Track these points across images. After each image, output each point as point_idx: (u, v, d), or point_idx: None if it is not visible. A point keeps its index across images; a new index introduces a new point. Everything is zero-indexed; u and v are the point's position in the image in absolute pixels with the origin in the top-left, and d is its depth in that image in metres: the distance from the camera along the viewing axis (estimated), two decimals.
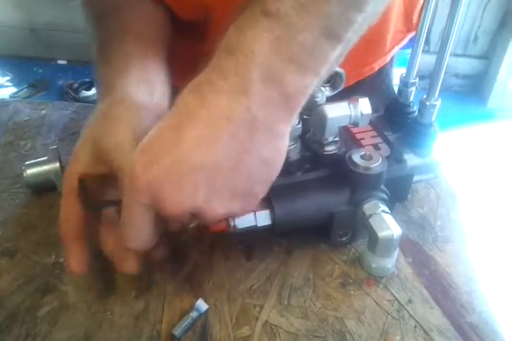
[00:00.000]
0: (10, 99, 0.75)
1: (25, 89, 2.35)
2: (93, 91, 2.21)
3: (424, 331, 0.40)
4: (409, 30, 0.70)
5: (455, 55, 2.33)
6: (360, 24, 0.33)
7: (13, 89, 2.36)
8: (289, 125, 0.35)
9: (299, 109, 0.34)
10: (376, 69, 0.68)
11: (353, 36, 0.34)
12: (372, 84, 0.67)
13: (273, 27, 0.31)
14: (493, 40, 2.25)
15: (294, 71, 0.32)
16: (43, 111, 0.64)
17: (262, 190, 0.37)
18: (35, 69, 2.48)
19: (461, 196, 0.54)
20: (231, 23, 0.33)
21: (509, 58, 2.14)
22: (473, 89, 2.37)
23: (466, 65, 2.34)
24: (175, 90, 0.46)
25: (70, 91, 2.24)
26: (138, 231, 0.35)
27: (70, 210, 0.40)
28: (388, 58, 0.69)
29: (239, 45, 0.32)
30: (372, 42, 0.63)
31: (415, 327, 0.40)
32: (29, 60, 2.49)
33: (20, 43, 2.46)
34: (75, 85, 2.24)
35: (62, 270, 0.45)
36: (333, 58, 0.34)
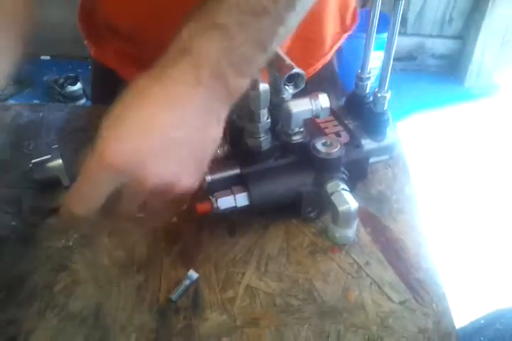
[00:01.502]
0: (10, 104, 0.81)
1: (11, 87, 2.36)
2: (79, 85, 2.23)
3: (379, 287, 0.48)
4: (344, 31, 0.78)
5: (431, 36, 2.39)
6: (282, 37, 0.43)
7: None
8: (227, 112, 0.42)
9: (234, 101, 0.42)
10: (319, 67, 0.76)
11: (275, 45, 0.43)
12: (321, 79, 0.76)
13: (219, 37, 0.39)
14: (467, 21, 2.31)
15: (234, 74, 0.40)
16: (41, 114, 0.71)
17: (207, 163, 0.43)
18: (20, 65, 2.50)
19: (416, 173, 0.62)
20: (181, 29, 0.40)
21: (483, 38, 2.20)
22: (450, 68, 2.43)
23: (442, 46, 2.40)
24: None
25: (56, 86, 2.25)
26: (87, 203, 0.38)
27: None
28: (329, 57, 0.78)
29: (193, 46, 0.39)
30: (313, 45, 0.73)
31: (371, 284, 0.48)
32: None
33: None
34: (61, 80, 2.25)
35: (72, 252, 0.52)
36: (262, 63, 0.42)
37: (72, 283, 0.49)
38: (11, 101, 2.20)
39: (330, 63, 0.79)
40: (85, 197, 0.39)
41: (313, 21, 0.67)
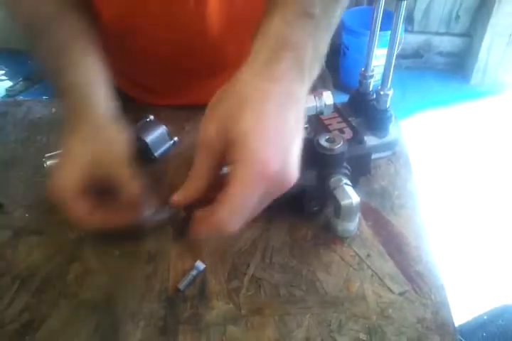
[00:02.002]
0: (22, 99, 0.83)
1: (21, 83, 2.39)
2: None
3: (379, 278, 0.49)
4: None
5: (438, 33, 2.39)
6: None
7: (9, 83, 2.39)
8: None
9: None
10: None
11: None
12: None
13: (312, 28, 0.41)
14: (473, 19, 2.30)
15: (318, 64, 0.42)
16: (53, 109, 0.73)
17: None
18: (29, 62, 2.52)
19: (419, 170, 0.63)
20: (269, 14, 0.41)
21: (490, 36, 2.20)
22: (457, 66, 2.43)
23: (448, 43, 2.40)
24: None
25: None
26: (246, 214, 0.38)
27: (79, 203, 0.48)
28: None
29: (293, 38, 0.40)
30: None
31: (372, 275, 0.50)
32: (22, 54, 2.52)
33: (13, 37, 2.50)
34: None
35: (83, 243, 0.54)
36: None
37: (84, 272, 0.51)
38: (21, 97, 2.23)
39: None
40: (243, 209, 0.37)
41: None
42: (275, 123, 0.38)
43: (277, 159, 0.37)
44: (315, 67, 0.42)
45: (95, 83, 0.54)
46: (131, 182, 0.49)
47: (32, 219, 0.57)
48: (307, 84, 0.41)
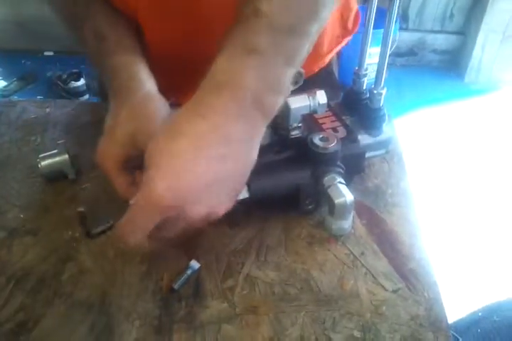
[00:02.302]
0: (16, 99, 0.82)
1: (15, 82, 2.38)
2: (82, 81, 2.25)
3: (373, 276, 0.50)
4: (344, 36, 0.77)
5: (433, 31, 2.40)
6: (308, 48, 0.44)
7: (3, 83, 2.38)
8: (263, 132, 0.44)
9: (270, 120, 0.44)
10: (316, 70, 0.76)
11: (304, 57, 0.44)
12: (320, 81, 0.75)
13: (255, 62, 0.40)
14: (468, 16, 2.31)
15: (272, 96, 0.41)
16: (47, 110, 0.73)
17: (243, 185, 0.46)
18: (23, 61, 2.51)
19: (413, 168, 0.64)
20: (216, 57, 0.41)
21: (484, 33, 2.21)
22: (451, 64, 2.44)
23: (443, 41, 2.41)
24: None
25: (59, 82, 2.27)
26: (135, 235, 0.41)
27: (122, 182, 0.50)
28: (327, 60, 0.77)
29: (231, 77, 0.40)
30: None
31: (366, 273, 0.50)
32: (16, 53, 2.51)
33: (7, 37, 2.49)
34: (64, 76, 2.26)
35: (78, 243, 0.54)
36: (292, 78, 0.43)
37: (79, 272, 0.51)
38: (15, 97, 2.22)
39: (328, 67, 0.79)
40: (137, 228, 0.41)
41: None
42: (181, 155, 0.39)
43: (174, 195, 0.38)
44: (267, 101, 0.41)
45: (140, 62, 0.56)
46: None
47: (26, 220, 0.57)
48: (253, 119, 0.41)
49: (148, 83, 0.55)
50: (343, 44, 0.78)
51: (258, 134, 0.43)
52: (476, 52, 2.26)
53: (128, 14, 0.60)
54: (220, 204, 0.42)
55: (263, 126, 0.43)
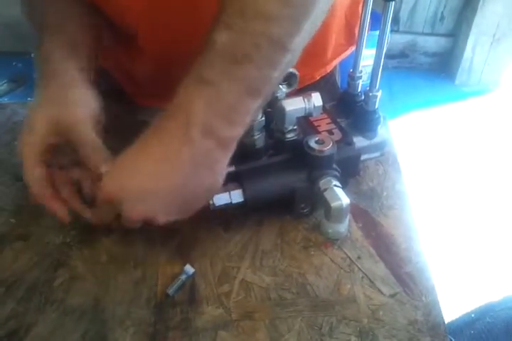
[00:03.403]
0: (7, 102, 0.81)
1: (5, 85, 2.36)
2: None
3: (370, 280, 0.49)
4: (350, 44, 0.75)
5: (424, 33, 2.41)
6: (277, 77, 0.43)
7: None
8: (225, 162, 0.45)
9: (233, 149, 0.44)
10: (317, 78, 0.74)
11: (271, 86, 0.44)
12: (320, 88, 0.74)
13: (205, 92, 0.41)
14: (458, 19, 2.33)
15: (224, 125, 0.42)
16: None
17: (200, 206, 0.48)
18: (13, 63, 2.49)
19: (406, 170, 0.63)
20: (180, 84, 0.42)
21: (474, 36, 2.22)
22: (442, 66, 2.45)
23: (433, 43, 2.42)
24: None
25: None
26: (103, 216, 0.48)
27: (36, 173, 0.50)
28: (329, 69, 0.75)
29: (182, 106, 0.42)
30: (313, 54, 0.67)
31: (362, 277, 0.50)
32: (7, 55, 2.49)
33: None
34: None
35: (70, 248, 0.53)
36: (256, 108, 0.43)
37: (71, 278, 0.51)
38: (5, 100, 2.20)
39: (331, 75, 0.77)
40: (101, 214, 0.48)
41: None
42: (131, 166, 0.44)
43: (112, 187, 0.45)
44: (221, 131, 0.42)
45: (79, 46, 0.54)
46: (94, 150, 0.49)
47: (17, 225, 0.56)
48: (204, 147, 0.42)
49: (72, 70, 0.52)
50: (348, 52, 0.76)
51: (216, 163, 0.44)
52: (467, 54, 2.27)
53: (111, 17, 0.59)
54: (159, 213, 0.46)
55: (222, 156, 0.44)
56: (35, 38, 0.59)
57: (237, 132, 0.43)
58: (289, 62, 0.43)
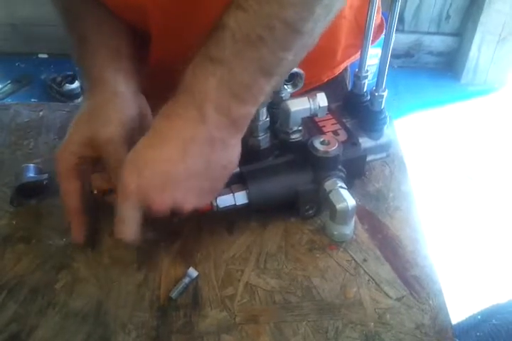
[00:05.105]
0: (10, 103, 0.81)
1: (9, 85, 2.36)
2: (76, 84, 2.22)
3: (376, 283, 0.48)
4: (360, 46, 0.72)
5: (429, 33, 2.40)
6: (293, 59, 0.43)
7: None
8: (239, 138, 0.45)
9: (245, 128, 0.45)
10: (325, 80, 0.72)
11: (286, 68, 0.44)
12: (327, 90, 0.73)
13: (217, 71, 0.41)
14: (464, 18, 2.31)
15: (237, 103, 0.42)
16: (41, 113, 0.71)
17: (221, 186, 0.48)
18: (17, 64, 2.49)
19: (412, 171, 0.63)
20: (187, 66, 0.43)
21: (480, 35, 2.20)
22: (448, 65, 2.44)
23: (439, 43, 2.41)
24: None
25: (54, 85, 2.25)
26: (127, 227, 0.44)
27: (70, 186, 0.50)
28: (337, 72, 0.73)
29: (194, 85, 0.42)
30: (321, 55, 0.66)
31: (369, 280, 0.49)
32: (11, 56, 2.49)
33: (1, 39, 2.47)
34: (59, 79, 2.24)
35: (73, 250, 0.53)
36: (269, 88, 0.44)
37: (73, 281, 0.50)
38: (9, 100, 2.20)
39: (340, 78, 0.75)
40: (126, 219, 0.44)
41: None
42: (146, 154, 0.44)
43: (136, 181, 0.43)
44: (233, 109, 0.42)
45: (116, 62, 0.55)
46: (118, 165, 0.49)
47: (19, 227, 0.56)
48: (218, 124, 0.43)
49: (118, 83, 0.53)
50: (357, 55, 0.73)
51: (230, 139, 0.44)
52: (473, 53, 2.26)
53: (130, 21, 0.59)
54: (183, 199, 0.44)
55: (235, 132, 0.44)
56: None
57: (248, 110, 0.44)
58: (303, 46, 0.44)
